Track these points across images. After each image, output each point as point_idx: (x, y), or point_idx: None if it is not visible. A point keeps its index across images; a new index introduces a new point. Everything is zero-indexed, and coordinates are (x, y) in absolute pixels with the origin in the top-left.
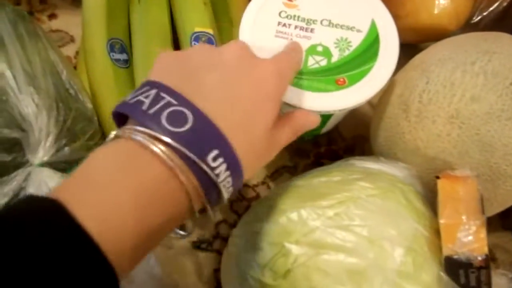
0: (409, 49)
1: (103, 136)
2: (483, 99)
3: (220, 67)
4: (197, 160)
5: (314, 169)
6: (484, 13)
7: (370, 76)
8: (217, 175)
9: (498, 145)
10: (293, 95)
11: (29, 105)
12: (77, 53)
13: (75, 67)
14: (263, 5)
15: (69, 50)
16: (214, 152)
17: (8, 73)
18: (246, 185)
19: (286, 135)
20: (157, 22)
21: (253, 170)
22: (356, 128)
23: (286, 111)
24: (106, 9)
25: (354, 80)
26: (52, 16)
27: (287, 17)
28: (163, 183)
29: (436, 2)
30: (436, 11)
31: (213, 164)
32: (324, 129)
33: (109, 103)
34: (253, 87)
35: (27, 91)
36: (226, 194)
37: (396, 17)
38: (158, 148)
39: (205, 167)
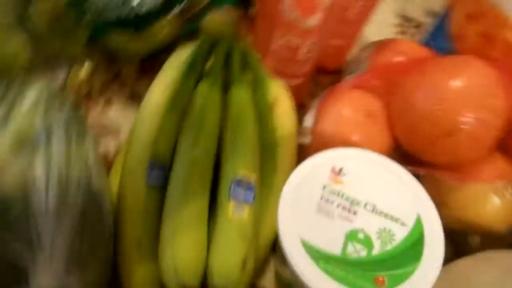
0: None
1: None
2: None
3: None
4: None
5: None
6: None
7: (412, 281)
8: None
9: None
10: (323, 284)
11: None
12: (117, 151)
13: (109, 167)
14: (307, 175)
15: (111, 143)
16: None
17: (41, 181)
18: None
19: None
20: (203, 154)
21: None
22: None
23: None
24: (159, 128)
25: (395, 282)
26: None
27: (331, 192)
28: None
29: (489, 201)
30: (487, 209)
31: None
32: None
33: (135, 227)
34: None
35: (55, 209)
36: None
37: (442, 204)
38: None
39: None
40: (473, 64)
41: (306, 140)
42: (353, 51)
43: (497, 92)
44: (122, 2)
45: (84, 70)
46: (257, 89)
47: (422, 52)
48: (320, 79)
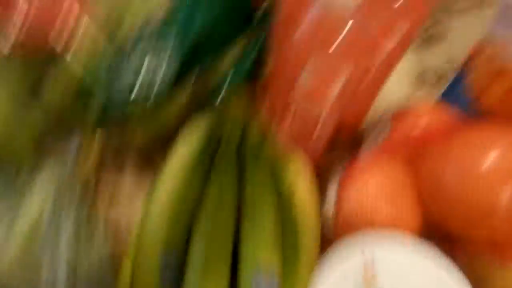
0: None
1: None
2: None
3: None
4: None
5: None
6: None
7: None
8: None
9: None
10: None
11: None
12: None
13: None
14: (339, 277)
15: (123, 217)
16: None
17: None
18: None
19: None
20: (219, 240)
21: None
22: None
23: None
24: (171, 213)
25: None
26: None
27: None
28: None
29: None
30: None
31: None
32: None
33: None
34: None
35: None
36: None
37: (481, 280)
38: None
39: None
40: (507, 140)
41: (329, 220)
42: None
43: None
44: (126, 97)
45: (96, 140)
46: (276, 170)
47: (442, 116)
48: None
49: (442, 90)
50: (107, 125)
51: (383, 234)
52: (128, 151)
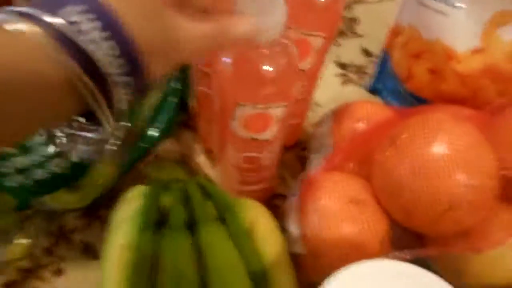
0: None
1: None
2: None
3: None
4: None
5: None
6: None
7: None
8: (80, 31)
9: None
10: None
11: None
12: None
13: None
14: None
15: None
16: (69, 7)
17: None
18: None
19: (207, 27)
20: None
21: (156, 52)
22: None
23: None
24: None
25: None
26: (58, 273)
27: None
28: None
29: (509, 261)
30: (508, 269)
31: (73, 18)
32: None
33: None
34: None
35: None
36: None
37: (460, 273)
38: None
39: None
40: (448, 125)
41: (298, 248)
42: (308, 120)
43: (484, 150)
44: (39, 163)
45: (21, 241)
46: (228, 220)
47: (379, 109)
48: (282, 157)
49: (367, 79)
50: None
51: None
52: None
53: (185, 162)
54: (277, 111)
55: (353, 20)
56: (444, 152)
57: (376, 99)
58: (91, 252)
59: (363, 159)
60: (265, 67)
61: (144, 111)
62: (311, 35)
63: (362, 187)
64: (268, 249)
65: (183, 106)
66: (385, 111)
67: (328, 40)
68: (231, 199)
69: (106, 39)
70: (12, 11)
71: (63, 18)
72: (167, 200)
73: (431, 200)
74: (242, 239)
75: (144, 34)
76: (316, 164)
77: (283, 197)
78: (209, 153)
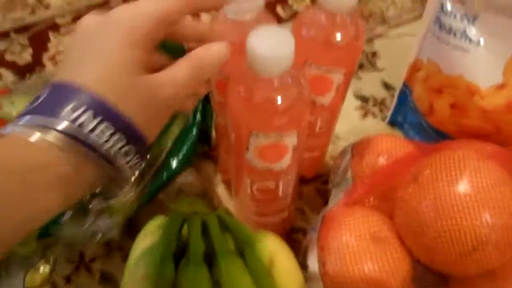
0: None
1: None
2: None
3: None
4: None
5: None
6: None
7: None
8: (81, 125)
9: None
10: None
11: None
12: None
13: None
14: None
15: None
16: (70, 105)
17: None
18: None
19: (182, 71)
20: None
21: (149, 118)
22: None
23: None
24: None
25: None
26: None
27: None
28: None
29: None
30: None
31: (74, 115)
32: None
33: None
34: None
35: None
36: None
37: None
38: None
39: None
40: (472, 163)
41: (318, 286)
42: (329, 152)
43: (508, 188)
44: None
45: (42, 269)
46: (247, 254)
47: (400, 143)
48: (301, 190)
49: (388, 112)
50: (52, 241)
51: None
52: (81, 273)
53: (205, 194)
54: (289, 140)
55: (373, 54)
56: (468, 190)
57: (396, 132)
58: (109, 282)
59: (384, 194)
60: (277, 96)
61: (165, 142)
62: (332, 71)
63: (383, 224)
64: (287, 287)
65: (204, 137)
66: (406, 145)
67: (348, 75)
68: (251, 233)
69: (103, 125)
70: (25, 125)
71: (66, 120)
72: (186, 232)
73: (455, 240)
74: (261, 275)
75: (138, 113)
76: (336, 198)
77: (303, 230)
78: (228, 184)
